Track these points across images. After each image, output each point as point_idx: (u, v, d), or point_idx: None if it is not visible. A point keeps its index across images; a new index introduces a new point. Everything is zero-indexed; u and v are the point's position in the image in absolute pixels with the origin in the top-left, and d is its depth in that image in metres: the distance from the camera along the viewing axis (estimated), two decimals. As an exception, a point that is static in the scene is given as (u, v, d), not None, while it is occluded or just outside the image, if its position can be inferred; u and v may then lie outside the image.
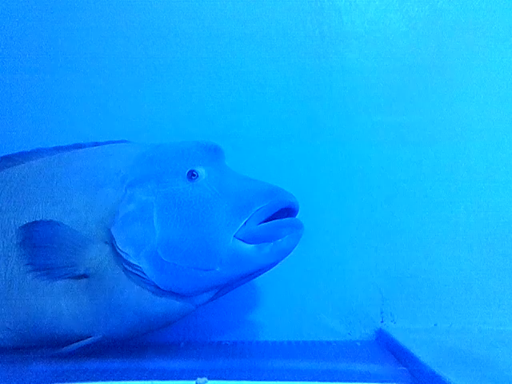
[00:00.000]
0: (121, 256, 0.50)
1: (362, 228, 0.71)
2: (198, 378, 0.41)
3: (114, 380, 0.47)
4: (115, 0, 0.73)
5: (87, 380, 0.47)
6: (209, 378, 0.43)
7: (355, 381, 0.48)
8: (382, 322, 0.70)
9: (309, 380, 0.46)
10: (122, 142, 0.62)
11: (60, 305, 0.52)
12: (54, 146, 0.61)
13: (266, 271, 0.54)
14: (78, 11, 0.73)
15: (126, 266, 0.50)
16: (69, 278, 0.51)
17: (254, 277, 0.55)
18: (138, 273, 0.50)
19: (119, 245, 0.50)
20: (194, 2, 0.73)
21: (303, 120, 0.72)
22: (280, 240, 0.51)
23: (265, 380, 0.45)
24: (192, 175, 0.54)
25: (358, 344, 0.68)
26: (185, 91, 0.73)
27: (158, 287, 0.51)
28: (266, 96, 0.72)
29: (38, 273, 0.51)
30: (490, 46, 0.71)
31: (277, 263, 0.53)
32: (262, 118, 0.72)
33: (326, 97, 0.72)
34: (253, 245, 0.51)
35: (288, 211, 0.54)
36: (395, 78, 0.72)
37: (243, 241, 0.51)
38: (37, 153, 0.61)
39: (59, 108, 0.73)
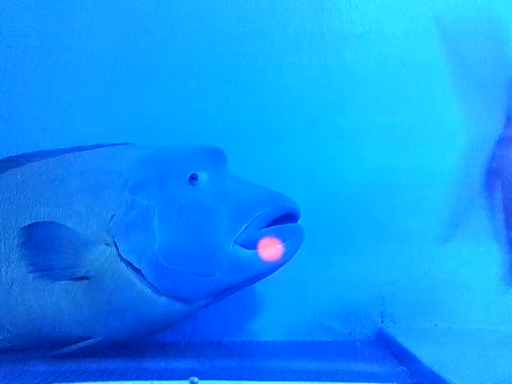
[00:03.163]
0: (122, 259, 0.51)
1: (362, 228, 0.71)
2: (192, 378, 0.41)
3: (113, 380, 0.47)
4: (116, 1, 0.73)
5: (87, 380, 0.47)
6: (209, 378, 0.43)
7: (355, 381, 0.47)
8: (382, 322, 0.70)
9: (309, 380, 0.45)
10: (124, 144, 0.62)
11: (60, 306, 0.52)
12: (56, 147, 0.62)
13: (266, 277, 0.54)
14: (78, 11, 0.73)
15: (126, 268, 0.51)
16: (70, 279, 0.52)
17: (255, 282, 0.55)
18: (139, 276, 0.51)
19: (122, 253, 0.51)
20: (194, 2, 0.73)
21: (303, 120, 0.72)
22: (280, 246, 0.51)
23: (265, 380, 0.45)
24: (193, 179, 0.54)
25: (358, 344, 0.68)
26: (185, 92, 0.73)
27: (159, 290, 0.51)
28: (266, 96, 0.72)
29: (39, 274, 0.51)
30: (490, 45, 0.71)
31: (277, 269, 0.53)
32: (261, 118, 0.72)
33: (326, 97, 0.72)
34: (253, 250, 0.51)
35: (289, 217, 0.53)
36: (395, 78, 0.72)
37: (243, 246, 0.51)
38: (39, 154, 0.61)
39: (61, 110, 0.73)
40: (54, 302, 0.52)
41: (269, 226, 0.52)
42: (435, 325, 0.69)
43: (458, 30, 0.71)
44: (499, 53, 0.70)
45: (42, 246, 0.51)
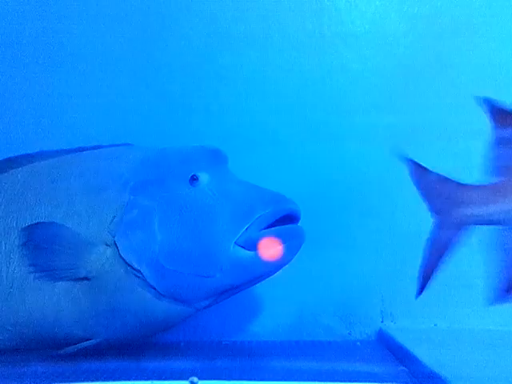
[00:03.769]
0: (123, 260, 0.51)
1: (362, 228, 0.71)
2: (192, 378, 0.41)
3: (113, 380, 0.47)
4: (116, 1, 0.73)
5: (87, 380, 0.48)
6: (209, 378, 0.43)
7: (355, 381, 0.47)
8: (382, 322, 0.70)
9: (309, 380, 0.45)
10: (125, 145, 0.62)
11: (61, 306, 0.52)
12: (57, 148, 0.62)
13: (266, 278, 0.54)
14: (79, 11, 0.73)
15: (127, 269, 0.51)
16: (70, 279, 0.52)
17: (256, 283, 0.55)
18: (139, 277, 0.51)
19: (122, 253, 0.51)
20: (194, 2, 0.73)
21: (303, 120, 0.72)
22: (281, 247, 0.51)
23: (265, 380, 0.45)
24: (194, 180, 0.54)
25: (358, 344, 0.68)
26: (185, 92, 0.73)
27: (159, 291, 0.51)
28: (266, 96, 0.72)
29: (40, 274, 0.51)
30: (490, 45, 0.71)
31: (278, 270, 0.54)
32: (261, 118, 0.72)
33: (326, 97, 0.72)
34: (253, 252, 0.51)
35: (290, 218, 0.53)
36: (395, 78, 0.72)
37: (244, 247, 0.51)
38: (40, 155, 0.61)
39: (61, 110, 0.73)
40: (54, 303, 0.52)
41: (269, 227, 0.52)
42: (435, 325, 0.69)
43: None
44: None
45: (43, 247, 0.51)
